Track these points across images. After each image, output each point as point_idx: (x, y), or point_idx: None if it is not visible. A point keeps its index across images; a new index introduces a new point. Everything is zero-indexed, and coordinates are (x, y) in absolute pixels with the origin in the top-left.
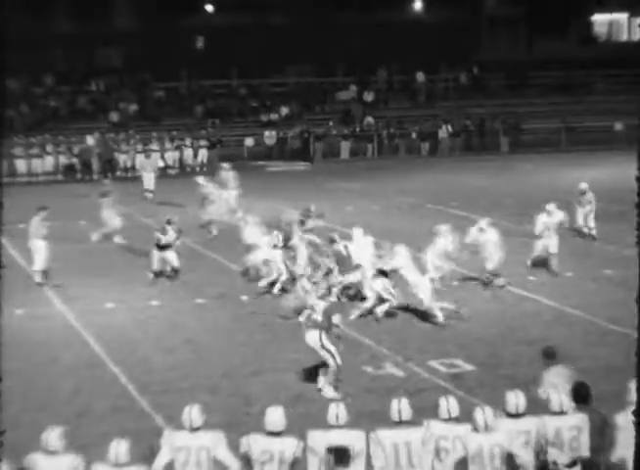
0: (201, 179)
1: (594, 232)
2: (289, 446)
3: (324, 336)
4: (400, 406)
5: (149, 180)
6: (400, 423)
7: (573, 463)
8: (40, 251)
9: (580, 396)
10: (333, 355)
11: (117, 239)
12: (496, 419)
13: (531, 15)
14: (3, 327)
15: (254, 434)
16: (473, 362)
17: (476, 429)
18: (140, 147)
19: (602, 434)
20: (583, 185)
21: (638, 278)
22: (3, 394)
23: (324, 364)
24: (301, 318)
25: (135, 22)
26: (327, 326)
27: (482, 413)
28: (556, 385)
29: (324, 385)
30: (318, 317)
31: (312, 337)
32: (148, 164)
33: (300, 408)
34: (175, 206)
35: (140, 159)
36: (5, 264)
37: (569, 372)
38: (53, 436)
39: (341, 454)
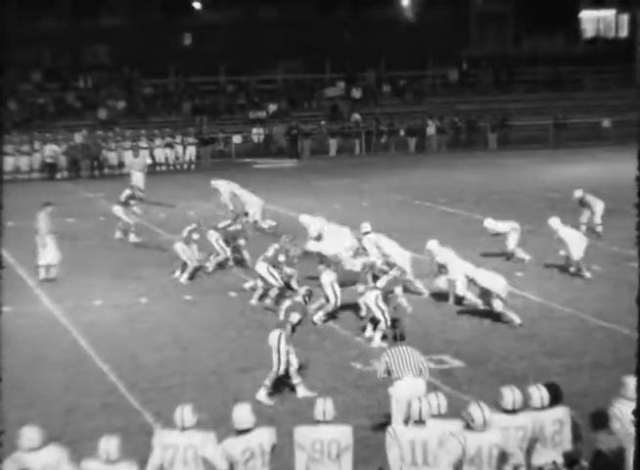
0: None
1: None
2: (264, 436)
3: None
4: (422, 406)
5: (137, 180)
6: (420, 422)
7: (573, 462)
8: (47, 246)
9: (600, 422)
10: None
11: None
12: (492, 415)
13: (520, 11)
14: None
15: (228, 439)
16: (461, 358)
17: (470, 426)
18: (128, 144)
19: None
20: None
21: (638, 278)
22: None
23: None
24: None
25: (123, 18)
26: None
27: (480, 410)
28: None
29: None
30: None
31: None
32: (136, 163)
33: (288, 404)
34: (164, 204)
35: (129, 157)
36: (5, 265)
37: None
38: (32, 434)
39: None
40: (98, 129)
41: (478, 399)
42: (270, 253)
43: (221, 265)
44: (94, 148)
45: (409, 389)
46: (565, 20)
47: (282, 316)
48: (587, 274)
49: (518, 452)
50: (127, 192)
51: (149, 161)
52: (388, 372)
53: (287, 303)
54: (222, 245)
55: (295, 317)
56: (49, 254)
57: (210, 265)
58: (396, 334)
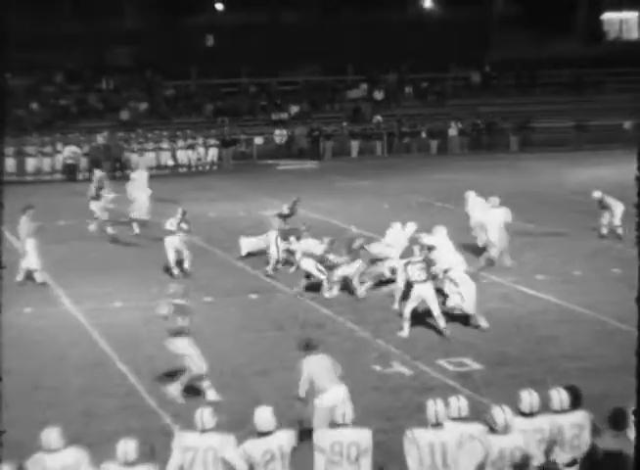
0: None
1: None
2: (284, 439)
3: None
4: (437, 408)
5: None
6: (437, 425)
7: (573, 462)
8: (32, 250)
9: (617, 421)
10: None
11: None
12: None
13: (542, 13)
14: (10, 325)
15: (249, 441)
16: (480, 361)
17: (493, 429)
18: (151, 145)
19: None
20: None
21: (638, 278)
22: (10, 392)
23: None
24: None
25: (145, 20)
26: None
27: (503, 413)
28: (318, 373)
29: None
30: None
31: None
32: (141, 163)
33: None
34: (168, 200)
35: (134, 157)
36: (5, 265)
37: (328, 361)
38: (53, 435)
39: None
40: (120, 131)
41: (497, 402)
42: (317, 251)
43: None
44: (116, 149)
45: (335, 397)
46: (587, 22)
47: (180, 323)
48: (509, 263)
49: (539, 455)
50: (94, 186)
51: (170, 162)
52: (310, 383)
53: (165, 308)
54: (279, 244)
55: (186, 320)
56: (30, 258)
57: (269, 267)
58: (306, 343)
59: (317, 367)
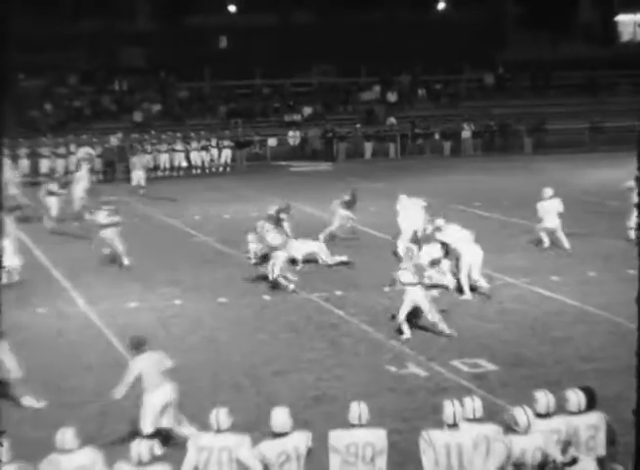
0: None
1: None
2: (300, 440)
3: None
4: (455, 409)
5: (138, 178)
6: (453, 426)
7: (573, 462)
8: (9, 249)
9: None
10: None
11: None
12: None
13: (555, 14)
14: (25, 326)
15: (264, 441)
16: (495, 362)
17: (513, 430)
18: (164, 147)
19: None
20: None
21: (638, 279)
22: (26, 392)
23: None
24: None
25: (158, 21)
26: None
27: (525, 413)
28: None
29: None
30: None
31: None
32: (137, 163)
33: (323, 408)
34: (166, 198)
35: (132, 158)
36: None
37: (158, 358)
38: (68, 435)
39: None
40: (133, 132)
41: (512, 404)
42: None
43: (265, 258)
44: (130, 151)
45: (164, 395)
46: (601, 23)
47: None
48: (567, 245)
49: (559, 456)
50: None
51: (184, 163)
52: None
53: None
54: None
55: None
56: (9, 257)
57: (254, 258)
58: (136, 341)
59: (147, 366)
